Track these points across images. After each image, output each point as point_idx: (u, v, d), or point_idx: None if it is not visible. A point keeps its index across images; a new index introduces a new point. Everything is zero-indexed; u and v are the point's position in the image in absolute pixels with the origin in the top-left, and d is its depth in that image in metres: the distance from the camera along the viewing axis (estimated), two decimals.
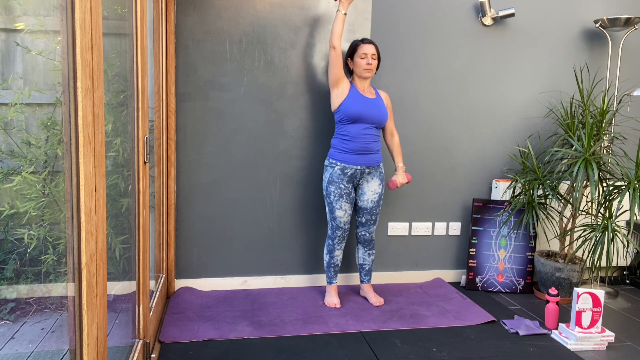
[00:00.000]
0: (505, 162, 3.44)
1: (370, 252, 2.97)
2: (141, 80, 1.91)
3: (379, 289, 3.21)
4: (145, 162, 1.99)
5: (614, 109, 3.47)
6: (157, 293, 2.58)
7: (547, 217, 3.09)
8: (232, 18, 2.94)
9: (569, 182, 3.24)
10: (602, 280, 3.57)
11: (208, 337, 2.46)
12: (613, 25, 3.24)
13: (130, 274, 1.95)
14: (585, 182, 3.02)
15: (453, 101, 3.30)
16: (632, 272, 3.60)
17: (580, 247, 2.78)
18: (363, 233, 2.93)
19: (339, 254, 2.92)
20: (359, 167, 2.80)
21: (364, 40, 2.79)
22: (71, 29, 1.13)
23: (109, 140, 1.63)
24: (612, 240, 2.74)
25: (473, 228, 3.25)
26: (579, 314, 2.51)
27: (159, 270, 2.78)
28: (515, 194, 3.19)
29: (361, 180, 2.85)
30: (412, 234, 3.36)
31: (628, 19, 3.18)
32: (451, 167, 3.36)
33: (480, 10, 3.23)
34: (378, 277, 3.35)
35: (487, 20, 3.24)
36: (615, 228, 2.77)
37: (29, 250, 1.35)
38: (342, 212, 2.82)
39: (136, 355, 1.96)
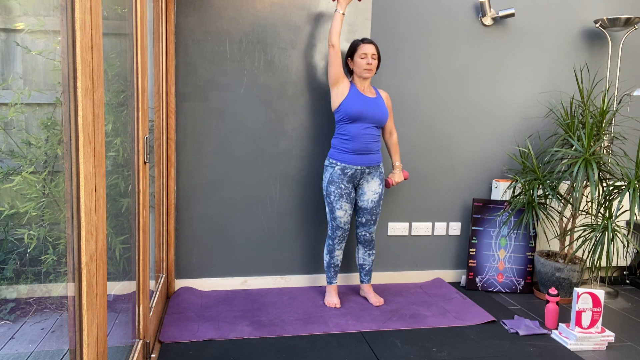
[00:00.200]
0: (505, 162, 3.44)
1: (371, 252, 2.97)
2: (141, 80, 1.91)
3: (379, 289, 3.21)
4: (145, 162, 1.99)
5: (614, 109, 3.47)
6: (157, 293, 2.58)
7: (547, 217, 3.09)
8: (232, 18, 2.94)
9: (569, 182, 3.24)
10: (602, 280, 3.57)
11: (208, 337, 2.46)
12: (613, 25, 3.24)
13: (130, 274, 1.95)
14: (585, 182, 3.02)
15: (453, 101, 3.30)
16: (632, 272, 3.60)
17: (580, 247, 2.78)
18: (363, 233, 2.93)
19: (339, 254, 2.92)
20: (359, 167, 2.80)
21: (364, 40, 2.79)
22: (71, 29, 1.13)
23: (109, 140, 1.63)
24: (612, 240, 2.74)
25: (473, 228, 3.25)
26: (579, 314, 2.51)
27: (159, 270, 2.78)
28: (515, 194, 3.19)
29: (361, 180, 2.85)
30: (412, 234, 3.36)
31: (628, 19, 3.18)
32: (451, 167, 3.36)
33: (480, 10, 3.23)
34: (378, 277, 3.35)
35: (487, 20, 3.24)
36: (615, 228, 2.77)
37: (29, 250, 1.35)
38: (342, 212, 2.82)
39: (136, 355, 1.96)
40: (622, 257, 3.50)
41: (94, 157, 1.24)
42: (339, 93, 2.78)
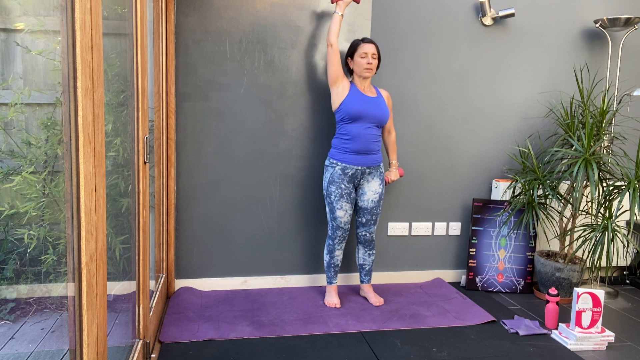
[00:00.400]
0: (505, 162, 3.44)
1: (371, 252, 2.97)
2: (141, 80, 1.91)
3: (379, 289, 3.21)
4: (145, 162, 1.99)
5: (614, 109, 3.47)
6: (157, 293, 2.58)
7: (547, 217, 3.09)
8: (232, 18, 2.94)
9: (569, 182, 3.24)
10: (602, 280, 3.57)
11: (208, 337, 2.46)
12: (613, 25, 3.24)
13: (130, 274, 1.95)
14: (585, 182, 3.02)
15: (453, 101, 3.30)
16: (632, 272, 3.60)
17: (580, 247, 2.78)
18: (363, 233, 2.93)
19: (339, 254, 2.92)
20: (359, 168, 2.80)
21: (364, 40, 2.80)
22: (71, 29, 1.13)
23: (109, 140, 1.63)
24: (612, 240, 2.74)
25: (473, 228, 3.25)
26: (579, 314, 2.51)
27: (159, 270, 2.78)
28: (515, 194, 3.19)
29: (362, 180, 2.85)
30: (412, 234, 3.36)
31: (628, 19, 3.18)
32: (451, 167, 3.36)
33: (480, 10, 3.23)
34: (378, 277, 3.35)
35: (487, 20, 3.24)
36: (615, 228, 2.77)
37: (29, 250, 1.35)
38: (342, 212, 2.82)
39: (136, 355, 1.96)
40: (622, 257, 3.50)
41: (94, 157, 1.24)
42: (339, 93, 2.79)
